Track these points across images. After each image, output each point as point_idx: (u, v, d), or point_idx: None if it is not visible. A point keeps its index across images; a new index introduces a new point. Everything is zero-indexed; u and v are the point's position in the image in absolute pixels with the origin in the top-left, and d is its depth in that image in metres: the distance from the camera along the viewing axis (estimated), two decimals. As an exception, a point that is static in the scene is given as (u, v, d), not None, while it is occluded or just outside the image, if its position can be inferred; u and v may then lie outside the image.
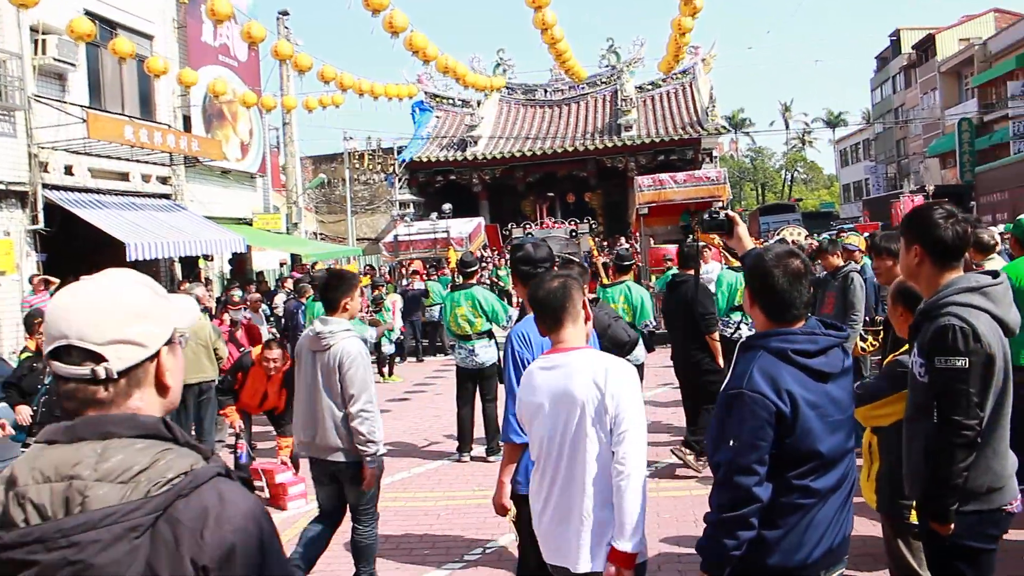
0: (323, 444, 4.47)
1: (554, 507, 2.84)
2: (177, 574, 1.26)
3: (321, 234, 35.58)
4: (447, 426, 9.15)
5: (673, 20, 10.50)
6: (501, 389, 7.17)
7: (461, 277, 8.58)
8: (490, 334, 8.09)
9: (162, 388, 1.43)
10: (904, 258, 3.00)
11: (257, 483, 6.85)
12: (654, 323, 8.01)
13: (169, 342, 1.44)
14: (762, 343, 2.51)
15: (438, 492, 7.07)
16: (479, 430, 8.20)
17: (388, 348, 13.97)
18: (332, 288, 4.51)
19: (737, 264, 9.11)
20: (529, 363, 3.24)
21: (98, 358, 1.35)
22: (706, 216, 3.36)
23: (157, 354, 1.41)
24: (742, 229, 3.32)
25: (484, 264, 23.23)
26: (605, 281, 8.76)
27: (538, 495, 2.91)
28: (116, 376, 1.36)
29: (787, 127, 73.45)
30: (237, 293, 12.04)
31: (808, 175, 79.50)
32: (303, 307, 12.22)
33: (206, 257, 20.03)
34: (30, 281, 12.68)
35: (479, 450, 8.20)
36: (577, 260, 5.70)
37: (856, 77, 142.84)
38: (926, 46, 45.48)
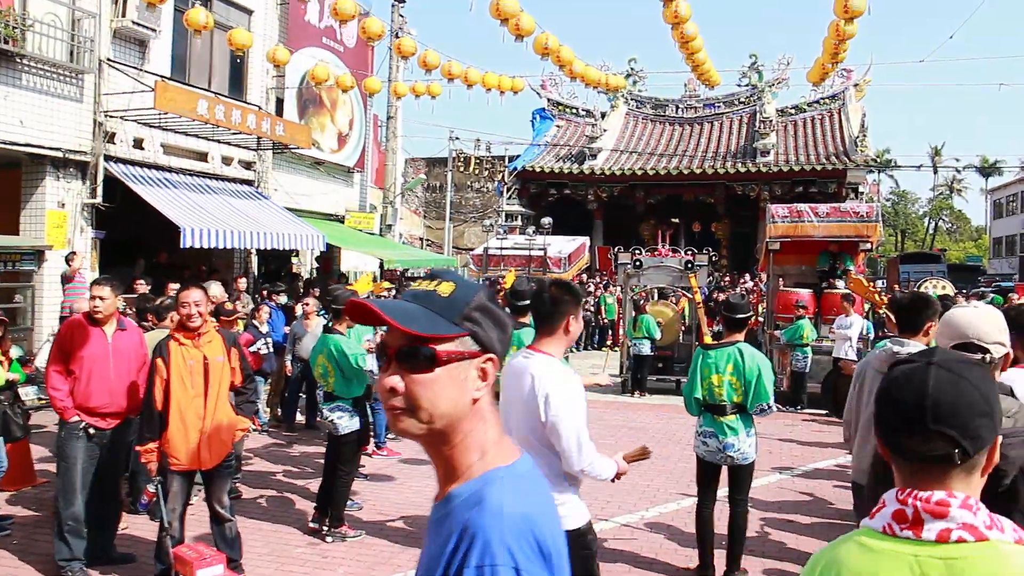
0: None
1: None
2: None
3: (427, 240, 34.25)
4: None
5: (836, 4, 8.18)
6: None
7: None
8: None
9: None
10: None
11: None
12: (775, 406, 5.44)
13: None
14: None
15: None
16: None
17: None
18: (916, 310, 4.23)
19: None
20: None
21: (984, 351, 2.39)
22: None
23: (1006, 356, 2.48)
24: None
25: (588, 290, 21.11)
26: (707, 338, 6.23)
27: None
28: (994, 360, 2.40)
29: (935, 172, 68.26)
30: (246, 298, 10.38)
31: (954, 225, 73.93)
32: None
33: (292, 252, 18.79)
34: (67, 260, 11.37)
35: None
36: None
37: (1015, 121, 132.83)
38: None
